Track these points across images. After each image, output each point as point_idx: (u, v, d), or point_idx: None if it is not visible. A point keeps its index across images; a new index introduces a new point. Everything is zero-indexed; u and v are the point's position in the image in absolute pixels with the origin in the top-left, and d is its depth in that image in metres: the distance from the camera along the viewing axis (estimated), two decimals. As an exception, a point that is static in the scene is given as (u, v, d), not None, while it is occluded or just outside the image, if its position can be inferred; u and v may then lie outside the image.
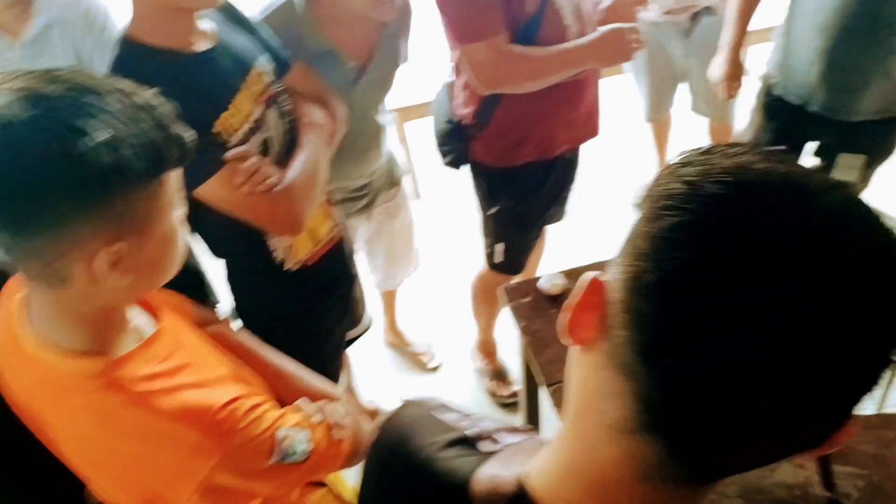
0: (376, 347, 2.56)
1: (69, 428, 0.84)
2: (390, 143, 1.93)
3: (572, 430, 0.51)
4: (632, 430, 0.44)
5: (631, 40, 1.59)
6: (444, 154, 1.90)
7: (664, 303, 0.41)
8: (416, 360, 2.52)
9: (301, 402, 0.97)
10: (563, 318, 0.48)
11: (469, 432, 0.60)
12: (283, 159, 1.30)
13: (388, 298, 2.47)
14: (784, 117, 1.98)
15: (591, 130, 1.90)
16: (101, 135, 0.65)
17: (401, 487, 0.61)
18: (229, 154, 1.16)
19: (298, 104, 1.38)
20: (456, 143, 1.83)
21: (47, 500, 1.12)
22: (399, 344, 2.56)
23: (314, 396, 1.00)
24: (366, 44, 1.60)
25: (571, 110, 1.78)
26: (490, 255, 2.04)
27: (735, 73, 2.12)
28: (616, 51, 1.61)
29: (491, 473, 0.54)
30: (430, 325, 2.63)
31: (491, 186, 1.91)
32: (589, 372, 0.48)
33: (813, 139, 1.98)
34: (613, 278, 0.45)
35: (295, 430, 0.88)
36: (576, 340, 0.48)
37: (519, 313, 1.65)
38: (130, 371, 0.80)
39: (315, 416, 0.95)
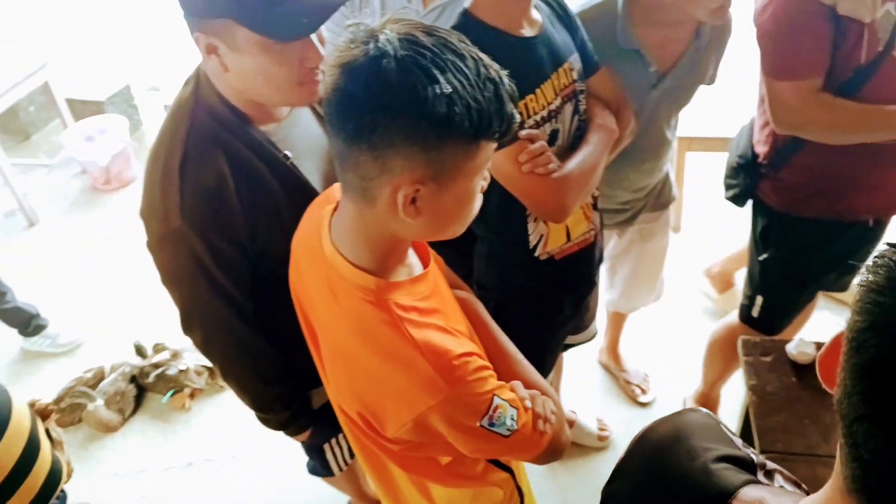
0: (589, 363, 2.56)
1: (333, 325, 0.98)
2: (670, 163, 1.90)
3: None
4: (849, 489, 0.45)
5: None
6: (728, 187, 1.83)
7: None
8: (626, 389, 2.47)
9: (516, 383, 1.01)
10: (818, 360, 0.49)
11: (754, 459, 0.60)
12: (565, 153, 1.37)
13: (617, 320, 2.43)
14: None
15: None
16: (446, 87, 0.75)
17: (664, 478, 0.61)
18: (523, 133, 1.26)
19: (593, 105, 1.44)
20: (744, 179, 1.76)
21: (282, 387, 1.33)
22: (613, 367, 2.52)
23: (526, 385, 1.03)
24: (673, 51, 1.60)
25: (878, 176, 1.61)
26: (747, 307, 1.91)
27: None
28: None
29: (758, 496, 0.54)
30: (651, 359, 2.55)
31: (768, 229, 1.79)
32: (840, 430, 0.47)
33: None
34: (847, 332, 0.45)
35: (507, 404, 0.92)
36: (828, 387, 0.49)
37: (753, 370, 1.55)
38: (396, 296, 0.90)
39: (526, 401, 0.98)
